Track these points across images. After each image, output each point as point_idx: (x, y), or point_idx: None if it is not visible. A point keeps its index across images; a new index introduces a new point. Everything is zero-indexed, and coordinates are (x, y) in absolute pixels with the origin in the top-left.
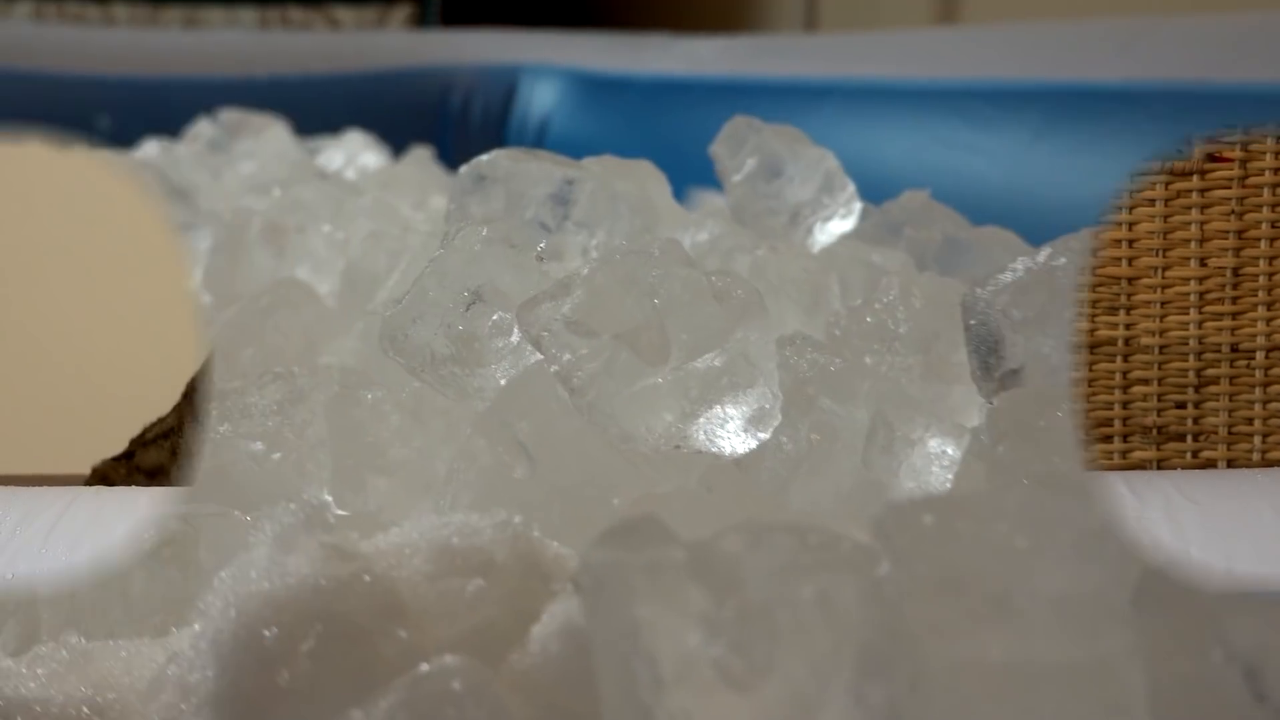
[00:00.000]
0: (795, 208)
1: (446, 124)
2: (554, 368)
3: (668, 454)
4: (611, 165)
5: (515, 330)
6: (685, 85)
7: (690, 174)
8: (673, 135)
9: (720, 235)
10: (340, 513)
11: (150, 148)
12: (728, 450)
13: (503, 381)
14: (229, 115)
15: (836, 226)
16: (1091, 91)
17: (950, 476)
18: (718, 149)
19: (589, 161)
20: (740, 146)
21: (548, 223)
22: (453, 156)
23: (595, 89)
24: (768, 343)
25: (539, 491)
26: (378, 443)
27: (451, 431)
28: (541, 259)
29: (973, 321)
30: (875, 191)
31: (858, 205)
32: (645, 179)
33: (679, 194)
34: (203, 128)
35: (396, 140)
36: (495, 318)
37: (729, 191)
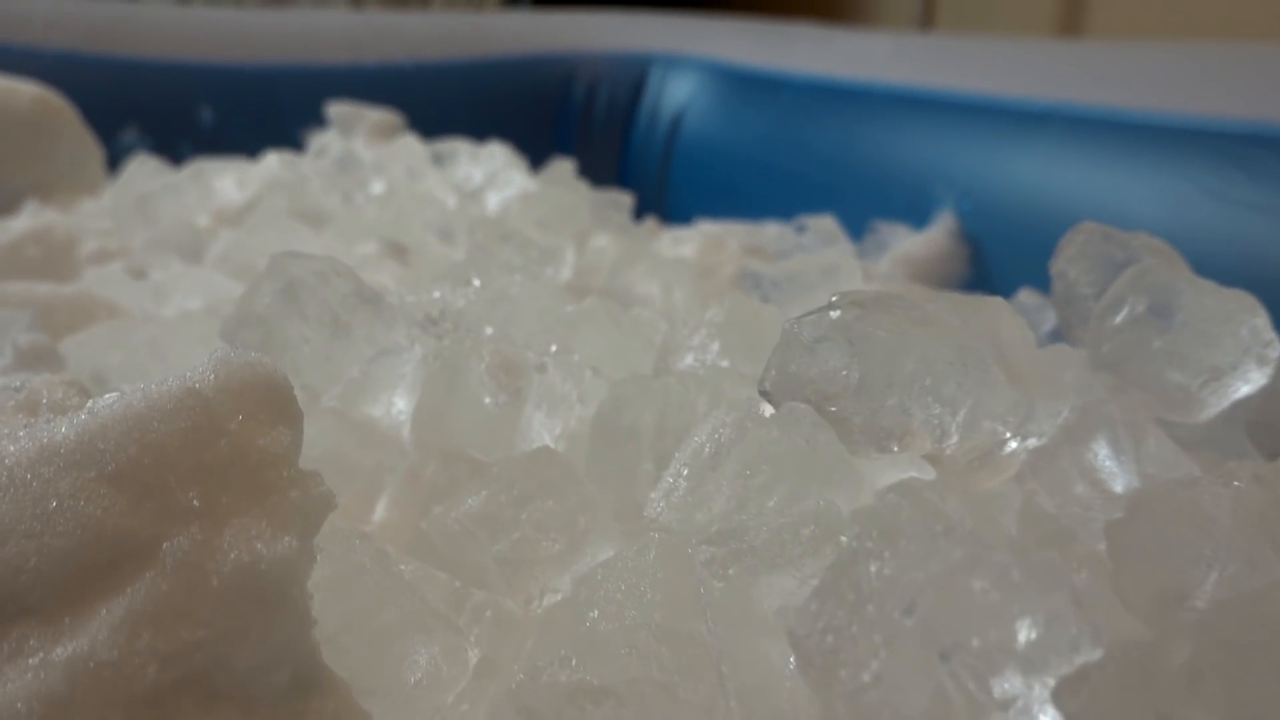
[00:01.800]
0: (1211, 372)
1: (568, 115)
2: None
3: None
4: (964, 308)
5: (1013, 683)
6: (853, 92)
7: (858, 201)
8: (835, 150)
9: (1093, 403)
10: None
11: (271, 161)
12: None
13: None
14: (339, 108)
15: (1244, 389)
16: None
17: None
18: (1067, 269)
19: (933, 306)
20: (1105, 272)
21: (911, 409)
22: (575, 151)
23: (737, 84)
24: None
25: None
26: None
27: None
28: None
29: None
30: None
31: (1275, 363)
32: (998, 320)
33: (853, 228)
34: (330, 141)
35: (514, 132)
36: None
37: (1094, 334)
